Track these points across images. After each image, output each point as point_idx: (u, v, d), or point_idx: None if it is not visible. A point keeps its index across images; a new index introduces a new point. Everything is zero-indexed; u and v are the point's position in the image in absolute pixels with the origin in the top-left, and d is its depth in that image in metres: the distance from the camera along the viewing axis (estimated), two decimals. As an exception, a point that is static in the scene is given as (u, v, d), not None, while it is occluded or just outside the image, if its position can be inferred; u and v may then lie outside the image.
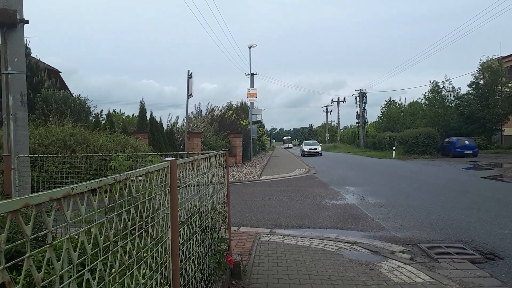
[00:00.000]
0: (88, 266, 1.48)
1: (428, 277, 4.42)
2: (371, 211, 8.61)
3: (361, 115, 56.33)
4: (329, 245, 5.90)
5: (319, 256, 5.33)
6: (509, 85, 35.74)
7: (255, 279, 4.46)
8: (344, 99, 73.39)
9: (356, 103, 57.83)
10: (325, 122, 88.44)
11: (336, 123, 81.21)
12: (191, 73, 12.91)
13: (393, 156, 31.76)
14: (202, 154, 4.30)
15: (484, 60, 36.90)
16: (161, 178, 2.31)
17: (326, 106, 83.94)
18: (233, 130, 24.09)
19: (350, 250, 5.62)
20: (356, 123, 60.40)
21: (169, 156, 6.89)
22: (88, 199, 1.48)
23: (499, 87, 35.94)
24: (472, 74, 37.59)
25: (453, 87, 39.50)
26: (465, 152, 28.81)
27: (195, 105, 25.76)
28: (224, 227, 4.66)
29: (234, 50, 77.44)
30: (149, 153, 6.25)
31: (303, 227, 7.33)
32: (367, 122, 59.43)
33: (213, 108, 25.43)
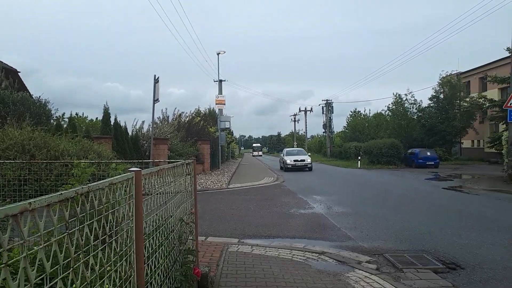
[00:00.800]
0: (47, 285, 1.37)
1: (394, 288, 4.47)
2: (338, 221, 8.69)
3: (328, 125, 57.39)
4: (297, 255, 5.88)
5: (288, 266, 5.29)
6: (467, 99, 37.52)
7: (223, 291, 4.36)
8: (311, 108, 74.33)
9: (323, 113, 58.89)
10: (293, 130, 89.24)
11: (304, 132, 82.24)
12: (158, 77, 12.69)
13: (359, 166, 32.46)
14: (168, 162, 4.17)
15: (444, 75, 38.60)
16: (125, 189, 2.20)
17: (294, 115, 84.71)
18: (201, 137, 23.82)
19: (318, 260, 5.62)
20: (323, 132, 61.47)
21: (135, 164, 6.68)
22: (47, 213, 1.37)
23: (458, 101, 37.63)
24: (433, 88, 39.21)
25: (415, 100, 41.02)
26: (427, 163, 29.86)
27: (161, 110, 25.30)
28: (191, 238, 4.53)
29: (202, 56, 77.19)
30: (113, 161, 6.02)
31: (271, 237, 7.28)
32: (334, 131, 60.61)
33: (180, 114, 25.08)
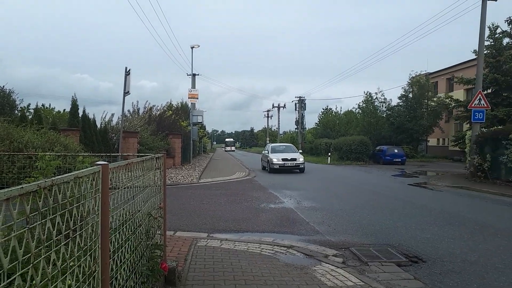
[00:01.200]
0: (4, 282, 1.34)
1: (359, 280, 4.61)
2: (307, 215, 8.84)
3: (300, 121, 57.94)
4: (266, 249, 5.95)
5: (256, 260, 5.35)
6: (434, 99, 38.80)
7: (190, 285, 4.37)
8: (285, 105, 74.89)
9: (295, 109, 59.37)
10: (266, 126, 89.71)
11: (277, 128, 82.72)
12: (129, 70, 12.43)
13: (329, 162, 33.01)
14: (138, 156, 4.12)
15: (413, 75, 39.72)
16: (91, 183, 2.16)
17: (267, 111, 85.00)
18: (172, 131, 23.52)
19: (286, 254, 5.70)
20: (295, 128, 62.03)
21: (103, 157, 6.54)
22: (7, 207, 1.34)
23: (426, 101, 38.85)
24: (402, 87, 40.33)
25: (385, 99, 42.08)
26: (394, 160, 30.73)
27: (132, 103, 24.80)
28: (160, 232, 4.50)
29: (175, 49, 76.04)
30: (79, 154, 5.88)
31: (241, 231, 7.33)
32: (306, 128, 61.26)
33: (151, 107, 24.64)
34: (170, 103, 29.58)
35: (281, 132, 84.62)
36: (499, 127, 17.69)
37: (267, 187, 14.26)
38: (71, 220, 1.96)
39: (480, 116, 17.19)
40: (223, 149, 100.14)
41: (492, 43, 27.50)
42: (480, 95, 17.29)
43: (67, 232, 1.92)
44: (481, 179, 16.50)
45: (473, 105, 17.32)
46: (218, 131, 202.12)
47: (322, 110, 60.07)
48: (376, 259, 5.56)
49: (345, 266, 5.24)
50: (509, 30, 27.41)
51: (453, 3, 55.21)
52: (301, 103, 58.48)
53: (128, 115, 22.63)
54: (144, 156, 3.97)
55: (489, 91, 27.32)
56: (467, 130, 26.75)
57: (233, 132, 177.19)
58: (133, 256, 3.21)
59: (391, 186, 15.55)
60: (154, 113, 24.35)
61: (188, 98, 27.82)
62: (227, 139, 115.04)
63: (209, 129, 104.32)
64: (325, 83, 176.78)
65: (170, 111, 25.72)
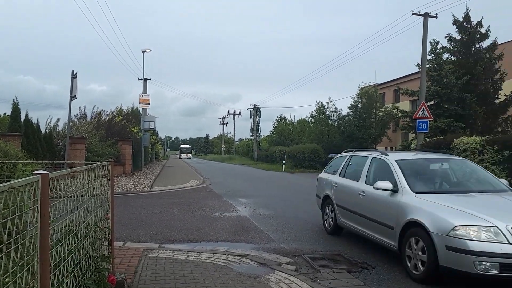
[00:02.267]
0: None
1: (311, 288, 4.64)
2: (261, 223, 8.84)
3: (255, 129, 58.38)
4: (220, 258, 5.86)
5: (209, 270, 5.24)
6: (382, 109, 40.61)
7: (140, 299, 4.18)
8: (240, 112, 75.32)
9: (250, 117, 59.82)
10: (222, 133, 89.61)
11: (232, 135, 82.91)
12: (76, 73, 11.90)
13: (283, 169, 33.43)
14: (84, 164, 3.92)
15: (362, 86, 41.37)
16: (29, 194, 2.00)
17: (222, 118, 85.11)
18: (122, 137, 22.73)
19: (239, 263, 5.64)
20: (251, 136, 62.38)
21: (46, 164, 6.17)
22: None
23: (374, 111, 40.56)
24: (352, 98, 41.87)
25: (336, 108, 43.44)
26: (345, 167, 31.58)
27: (79, 107, 23.59)
28: (107, 244, 4.30)
29: (126, 53, 73.69)
30: (20, 161, 5.50)
31: (194, 241, 7.17)
32: (261, 135, 61.86)
33: (100, 112, 23.66)
34: (120, 108, 28.66)
35: (236, 139, 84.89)
36: (441, 137, 18.78)
37: (222, 195, 14.13)
38: (5, 234, 1.80)
39: (424, 127, 18.18)
40: (178, 156, 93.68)
41: (434, 57, 29.30)
42: (423, 106, 18.31)
43: (0, 246, 1.77)
44: (424, 186, 17.26)
45: (417, 116, 18.29)
46: (171, 137, 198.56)
47: (277, 118, 60.89)
48: (328, 266, 5.64)
49: (298, 273, 5.26)
50: (448, 46, 29.37)
51: (399, 17, 58.53)
52: (256, 111, 58.99)
53: (75, 120, 21.62)
54: (90, 164, 3.78)
55: (432, 102, 28.98)
56: (412, 139, 28.22)
57: (188, 138, 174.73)
58: (77, 270, 3.03)
59: (342, 193, 15.95)
60: (103, 119, 23.42)
61: (140, 103, 27.06)
62: (182, 145, 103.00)
63: (162, 135, 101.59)
64: (279, 92, 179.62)
65: (120, 117, 24.88)
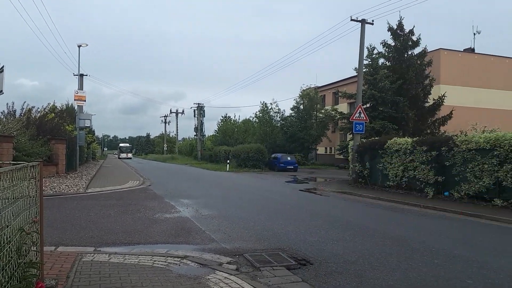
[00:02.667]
0: None
1: (251, 286, 4.68)
2: (203, 224, 8.75)
3: (199, 128, 57.76)
4: (159, 261, 5.71)
5: (147, 273, 5.09)
6: (322, 111, 42.07)
7: (71, 306, 3.96)
8: (183, 111, 74.29)
9: (194, 116, 59.06)
10: (164, 132, 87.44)
11: (175, 134, 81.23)
12: (3, 66, 11.05)
13: (227, 169, 33.42)
14: (11, 164, 3.64)
15: (304, 88, 42.65)
16: None
17: (164, 116, 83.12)
18: (55, 136, 21.38)
19: (179, 265, 5.54)
20: (194, 135, 61.63)
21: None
22: None
23: (315, 112, 41.94)
24: (294, 99, 42.98)
25: (279, 109, 44.52)
26: (288, 167, 32.41)
27: (7, 104, 21.80)
28: (35, 249, 4.02)
29: (60, 47, 69.13)
30: None
31: (132, 244, 6.93)
32: (205, 135, 61.27)
33: (30, 109, 22.04)
34: (54, 105, 26.94)
35: (180, 138, 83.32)
36: (376, 138, 19.84)
37: (163, 196, 13.81)
38: None
39: (360, 128, 19.09)
40: (116, 156, 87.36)
41: (370, 62, 30.91)
42: (360, 109, 19.21)
43: None
44: (362, 184, 18.28)
45: (354, 117, 19.16)
46: (110, 136, 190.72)
47: (222, 118, 60.84)
48: (268, 264, 5.72)
49: (238, 272, 5.28)
50: (383, 52, 31.12)
51: (339, 22, 60.90)
52: (200, 110, 58.38)
53: (2, 117, 20.00)
54: (17, 164, 3.52)
55: (368, 105, 30.56)
56: (349, 140, 29.50)
57: (127, 137, 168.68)
58: (-2, 278, 2.80)
59: (284, 192, 16.31)
60: (33, 116, 21.87)
61: (75, 100, 25.62)
62: (121, 144, 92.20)
63: (99, 134, 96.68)
64: (225, 91, 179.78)
65: (53, 114, 23.38)
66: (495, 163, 11.85)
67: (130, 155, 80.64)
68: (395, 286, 4.84)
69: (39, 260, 4.07)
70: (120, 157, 76.10)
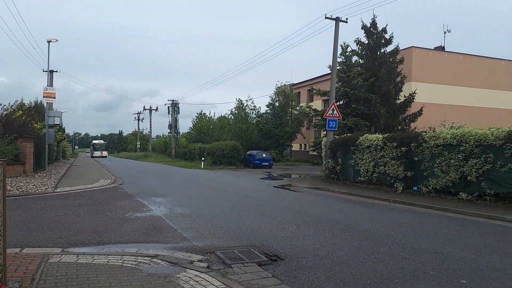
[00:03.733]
0: None
1: (221, 284, 4.69)
2: (175, 222, 8.69)
3: (174, 125, 57.19)
4: (128, 260, 5.64)
5: (116, 273, 5.02)
6: (297, 108, 42.40)
7: (35, 309, 3.87)
8: (157, 108, 73.21)
9: (168, 113, 58.44)
10: (137, 129, 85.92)
11: (148, 132, 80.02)
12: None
13: (202, 167, 33.24)
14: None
15: (279, 85, 42.84)
16: None
17: (138, 113, 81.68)
18: (22, 134, 20.68)
19: (150, 264, 5.49)
20: (169, 133, 60.95)
21: None
22: None
23: (290, 109, 42.22)
24: (269, 96, 43.12)
25: (254, 106, 44.50)
26: (263, 164, 32.55)
27: (-28, 100, 21.08)
28: (-4, 251, 3.91)
29: (29, 42, 66.71)
30: None
31: (101, 244, 6.81)
32: (179, 132, 60.71)
33: (-4, 106, 21.30)
34: (21, 102, 26.05)
35: (153, 136, 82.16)
36: (349, 134, 20.18)
37: (135, 195, 13.61)
38: None
39: (333, 125, 19.37)
40: (89, 154, 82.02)
41: (344, 60, 31.37)
42: (333, 106, 19.49)
43: None
44: (334, 180, 18.58)
45: (327, 114, 19.42)
46: (81, 134, 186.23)
47: (197, 115, 60.50)
48: (239, 260, 5.75)
49: (209, 270, 5.28)
50: (357, 49, 31.64)
51: (313, 20, 61.41)
52: (174, 107, 57.79)
53: (-34, 114, 19.19)
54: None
55: (341, 102, 31.04)
56: (323, 137, 29.86)
57: (99, 135, 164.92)
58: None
59: (258, 188, 16.38)
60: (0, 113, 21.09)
61: (44, 97, 24.87)
62: (95, 141, 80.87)
63: (69, 131, 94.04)
64: (199, 88, 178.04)
65: (20, 111, 22.61)
66: (461, 158, 12.28)
67: (105, 153, 71.33)
68: (362, 279, 4.96)
69: (1, 262, 3.96)
70: (94, 155, 68.82)
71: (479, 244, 6.94)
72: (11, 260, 5.37)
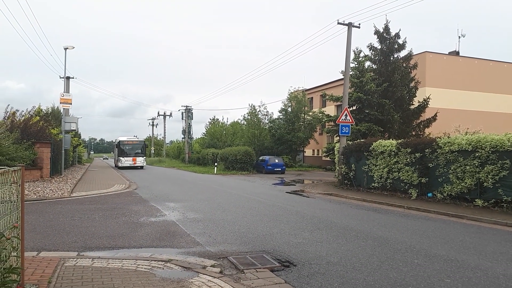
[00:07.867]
0: None
1: (234, 289, 4.72)
2: (188, 227, 8.76)
3: (187, 131, 57.59)
4: (142, 265, 5.71)
5: (131, 277, 5.09)
6: (310, 113, 42.30)
7: (52, 312, 3.95)
8: (171, 113, 73.70)
9: (182, 118, 58.88)
10: (151, 135, 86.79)
11: (162, 137, 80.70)
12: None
13: (215, 172, 33.36)
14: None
15: (292, 90, 42.85)
16: None
17: (152, 119, 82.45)
18: (40, 139, 21.12)
19: (163, 269, 5.55)
20: (182, 138, 61.40)
21: None
22: None
23: (303, 115, 42.14)
24: (282, 102, 43.13)
25: (267, 112, 44.64)
26: (275, 169, 32.51)
27: (-8, 107, 21.66)
28: (15, 254, 4.01)
29: (46, 49, 68.12)
30: None
31: (116, 248, 6.91)
32: (193, 138, 61.09)
33: (14, 112, 21.80)
34: (39, 108, 26.63)
35: (167, 141, 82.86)
36: (362, 140, 20.05)
37: (149, 200, 13.75)
38: None
39: (346, 130, 19.28)
40: (106, 161, 73.83)
41: (357, 65, 31.21)
42: (346, 111, 19.41)
43: None
44: (347, 186, 18.44)
45: (340, 120, 19.34)
46: (96, 139, 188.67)
47: (210, 120, 60.88)
48: (252, 266, 5.77)
49: (222, 275, 5.32)
50: (370, 55, 31.46)
51: (325, 26, 61.37)
52: (188, 112, 58.23)
53: (-14, 120, 19.69)
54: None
55: (354, 108, 30.84)
56: (336, 142, 29.70)
57: (114, 140, 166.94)
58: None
59: (271, 194, 16.37)
60: (18, 119, 21.59)
61: (60, 103, 25.38)
62: (122, 138, 43.47)
63: (85, 137, 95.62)
64: (213, 94, 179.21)
65: (38, 117, 23.10)
66: (476, 165, 12.10)
67: (141, 160, 41.95)
68: (375, 286, 4.93)
69: (19, 265, 4.06)
70: (122, 165, 40.35)
71: (496, 251, 6.83)
72: (29, 263, 5.50)
